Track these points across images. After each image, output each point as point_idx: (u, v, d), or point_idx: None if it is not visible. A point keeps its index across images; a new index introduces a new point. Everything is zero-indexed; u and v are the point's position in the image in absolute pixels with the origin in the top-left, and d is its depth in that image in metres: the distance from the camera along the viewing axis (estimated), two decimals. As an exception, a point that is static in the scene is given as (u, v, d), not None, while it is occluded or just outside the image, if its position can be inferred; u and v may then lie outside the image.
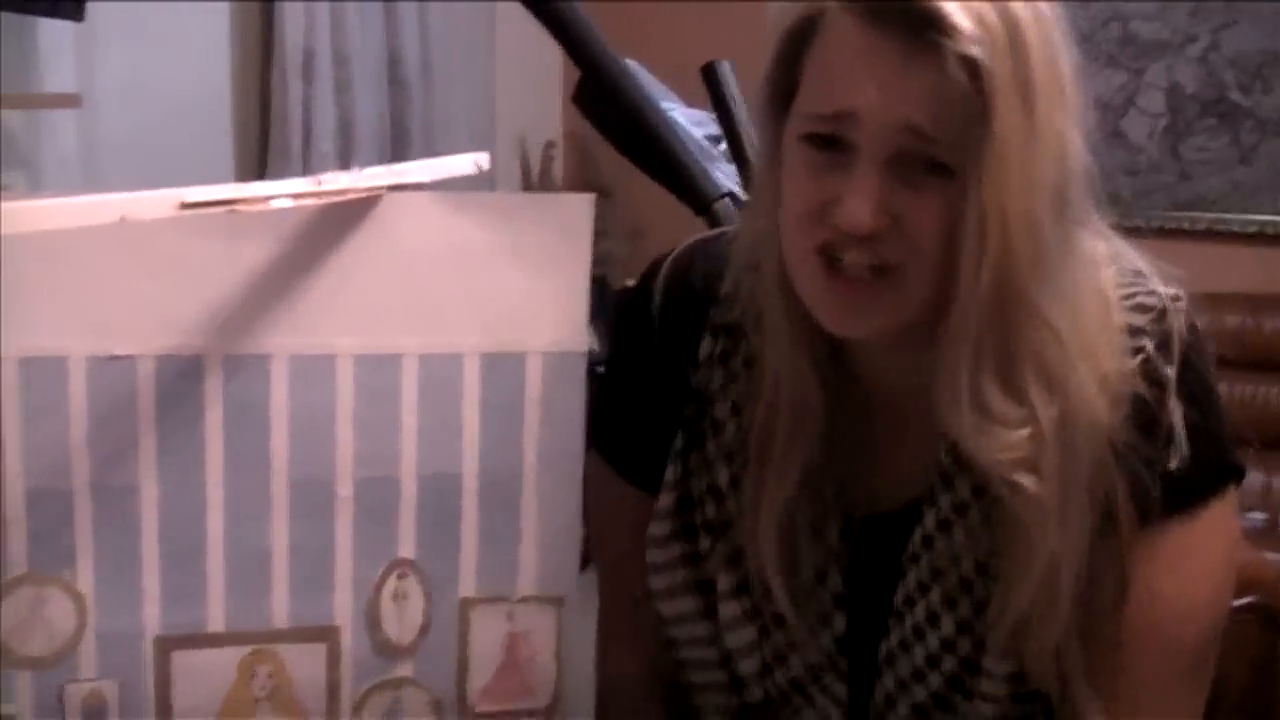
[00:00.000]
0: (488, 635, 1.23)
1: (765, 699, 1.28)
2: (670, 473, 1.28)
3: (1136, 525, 1.17)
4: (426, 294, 1.17)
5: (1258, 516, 3.95)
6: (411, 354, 1.17)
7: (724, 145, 1.80)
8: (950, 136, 1.08)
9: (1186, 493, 1.18)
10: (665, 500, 1.28)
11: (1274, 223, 4.46)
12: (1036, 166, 1.08)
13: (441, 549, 1.21)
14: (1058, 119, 1.10)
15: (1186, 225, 4.52)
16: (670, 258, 1.32)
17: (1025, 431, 1.11)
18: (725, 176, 1.70)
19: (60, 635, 1.15)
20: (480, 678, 1.24)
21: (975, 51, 1.05)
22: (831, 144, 1.11)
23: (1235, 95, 4.47)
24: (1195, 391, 1.17)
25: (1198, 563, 1.21)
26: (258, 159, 3.68)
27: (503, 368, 1.19)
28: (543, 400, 1.20)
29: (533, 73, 4.76)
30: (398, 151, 3.95)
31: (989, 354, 1.11)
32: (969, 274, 1.09)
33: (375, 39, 3.90)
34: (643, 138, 1.65)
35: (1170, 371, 1.16)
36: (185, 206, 0.96)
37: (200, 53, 3.54)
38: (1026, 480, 1.12)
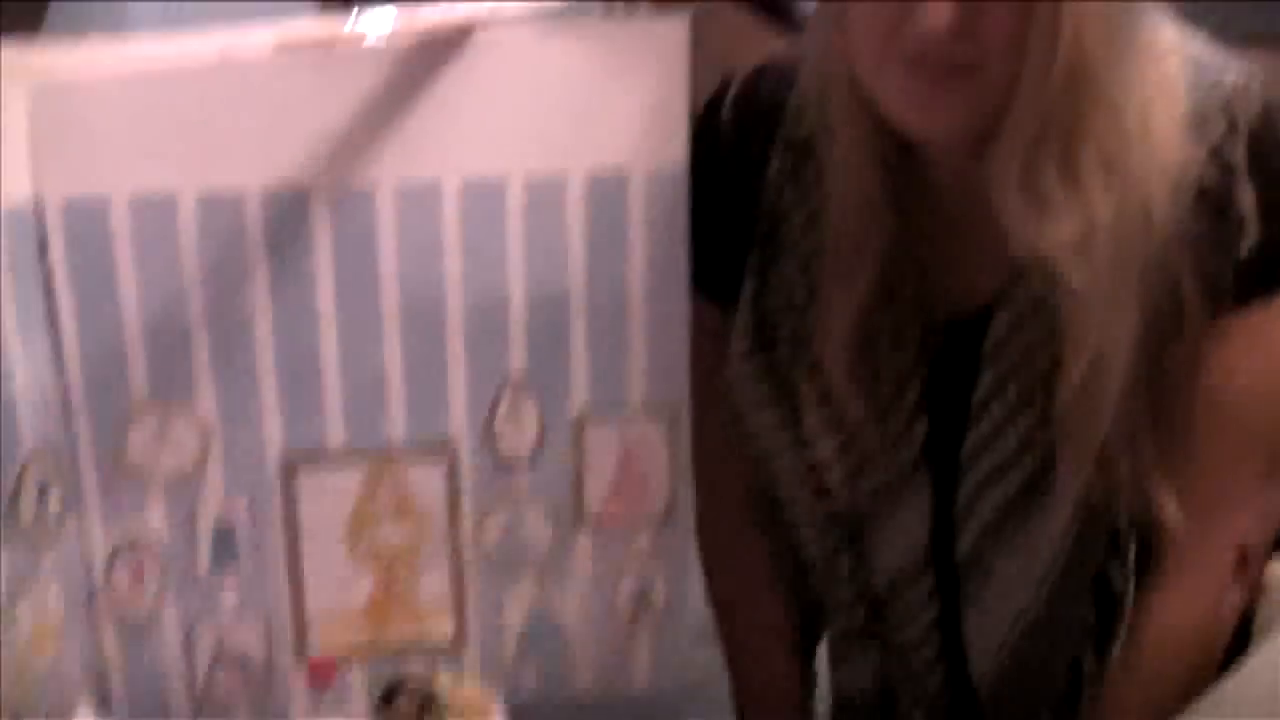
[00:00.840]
0: (602, 448, 1.25)
1: (853, 506, 1.30)
2: (748, 288, 1.29)
3: (1208, 314, 1.15)
4: (528, 120, 1.16)
5: None
6: (516, 179, 1.17)
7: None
8: None
9: (1261, 278, 1.15)
10: (744, 315, 1.29)
11: None
12: None
13: (553, 366, 1.22)
14: None
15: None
16: (737, 78, 1.31)
17: (1077, 218, 1.10)
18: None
19: (188, 457, 1.19)
20: (596, 488, 1.26)
21: None
22: None
23: None
24: (1271, 173, 1.14)
25: (1259, 365, 1.19)
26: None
27: (606, 190, 1.19)
28: (646, 220, 1.20)
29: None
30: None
31: (1050, 137, 1.10)
32: (1039, 53, 1.07)
33: None
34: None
35: (1239, 156, 1.13)
36: (282, 48, 0.95)
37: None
38: (1074, 269, 1.11)
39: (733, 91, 1.30)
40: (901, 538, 1.30)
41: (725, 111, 1.30)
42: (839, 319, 1.22)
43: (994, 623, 1.28)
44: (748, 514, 1.37)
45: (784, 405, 1.29)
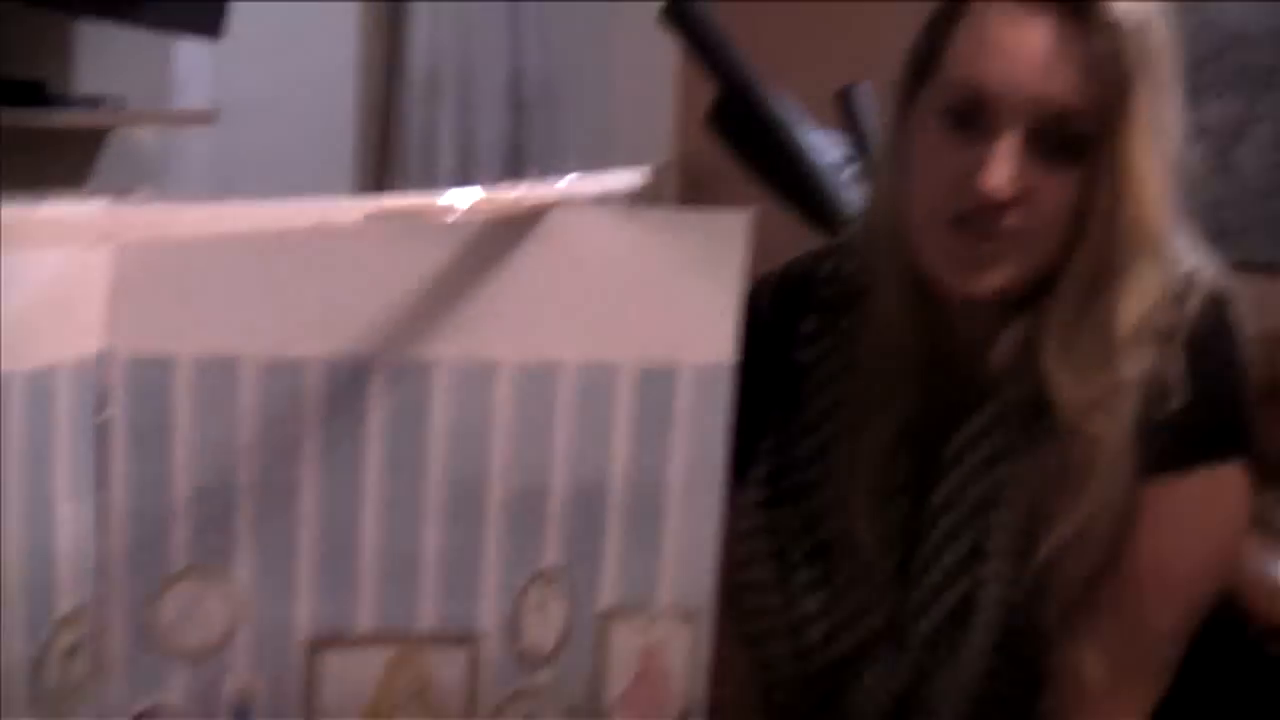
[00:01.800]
0: (625, 646, 1.25)
1: (828, 667, 1.34)
2: (766, 443, 1.36)
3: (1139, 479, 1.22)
4: (586, 306, 1.19)
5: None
6: (569, 364, 1.19)
7: (849, 169, 1.82)
8: (1091, 105, 1.18)
9: (1176, 451, 1.22)
10: (759, 470, 1.36)
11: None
12: (1165, 137, 1.20)
13: (585, 558, 1.23)
14: (1174, 101, 1.23)
15: (1298, 261, 4.47)
16: (776, 271, 1.42)
17: (1108, 380, 1.19)
18: (855, 201, 1.72)
19: (217, 629, 1.17)
20: (616, 687, 1.25)
21: (1125, 18, 1.17)
22: (971, 118, 1.20)
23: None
24: (1201, 354, 1.22)
25: (1174, 529, 1.24)
26: (378, 177, 3.74)
27: (655, 380, 1.21)
28: (691, 413, 1.22)
29: (647, 97, 4.80)
30: (515, 171, 4.01)
31: (1097, 303, 1.19)
32: (1100, 224, 1.18)
33: (499, 60, 3.95)
34: (778, 159, 1.68)
35: (1181, 332, 1.22)
36: (371, 217, 0.99)
37: (328, 70, 3.62)
38: (1097, 426, 1.19)
39: (775, 276, 1.41)
40: (871, 702, 1.33)
41: (766, 297, 1.38)
42: (865, 464, 1.29)
43: None
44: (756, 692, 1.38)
45: (776, 560, 1.35)
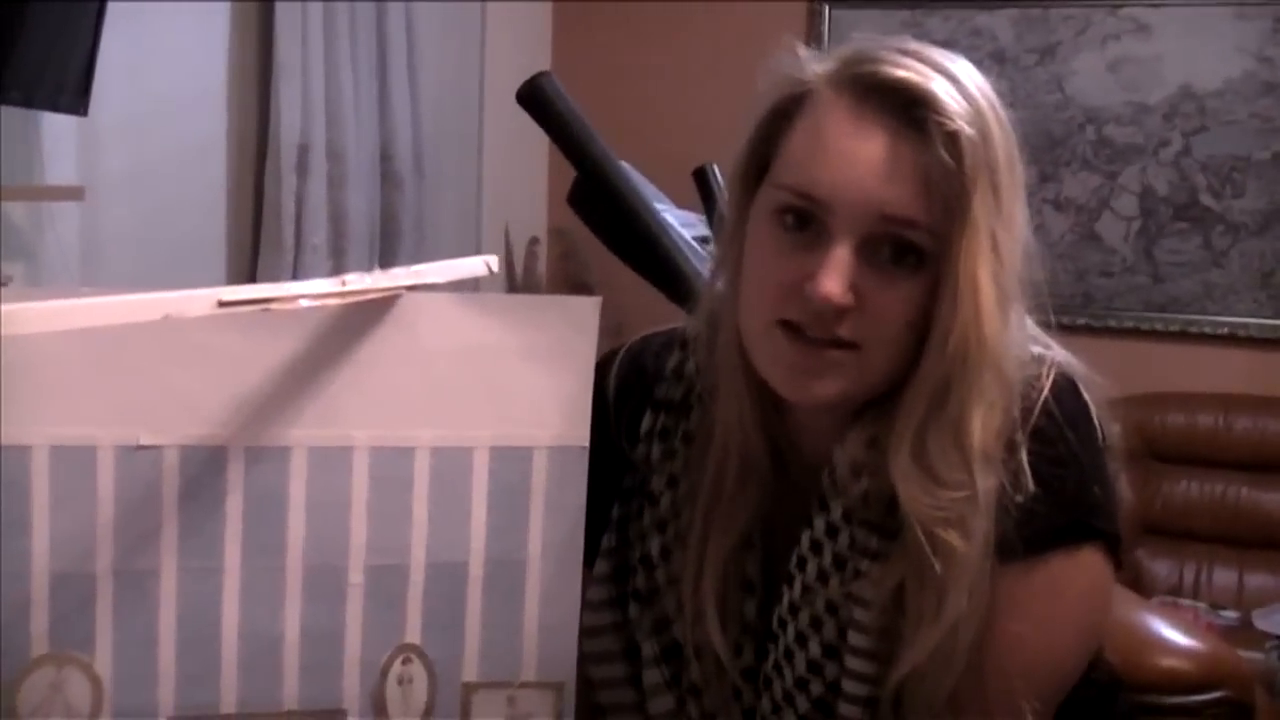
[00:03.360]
0: (489, 717, 1.26)
1: None
2: (606, 540, 1.35)
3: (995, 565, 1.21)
4: (440, 389, 1.21)
5: (1231, 615, 4.01)
6: (424, 446, 1.21)
7: (712, 246, 1.86)
8: (928, 217, 1.14)
9: (1029, 540, 1.21)
10: (601, 567, 1.34)
11: (1244, 325, 4.55)
12: (1005, 245, 1.16)
13: (446, 634, 1.24)
14: (1016, 204, 1.18)
15: (1160, 326, 4.61)
16: (625, 346, 1.40)
17: (962, 494, 1.17)
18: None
19: (78, 716, 1.18)
20: (480, 759, 1.27)
21: (963, 128, 1.13)
22: (804, 223, 1.17)
23: (1207, 199, 4.58)
24: (1049, 443, 1.21)
25: (1030, 616, 1.23)
26: (251, 251, 3.73)
27: (510, 461, 1.23)
28: (546, 492, 1.25)
29: (519, 170, 4.85)
30: (387, 246, 4.01)
31: (945, 418, 1.17)
32: (939, 339, 1.15)
33: (369, 134, 3.96)
34: (636, 237, 1.71)
35: (1025, 415, 1.21)
36: (223, 305, 1.01)
37: (198, 146, 3.60)
38: (953, 538, 1.17)
39: (619, 358, 1.39)
40: None
41: (611, 380, 1.37)
42: (711, 566, 1.27)
43: None
44: None
45: (628, 659, 1.34)
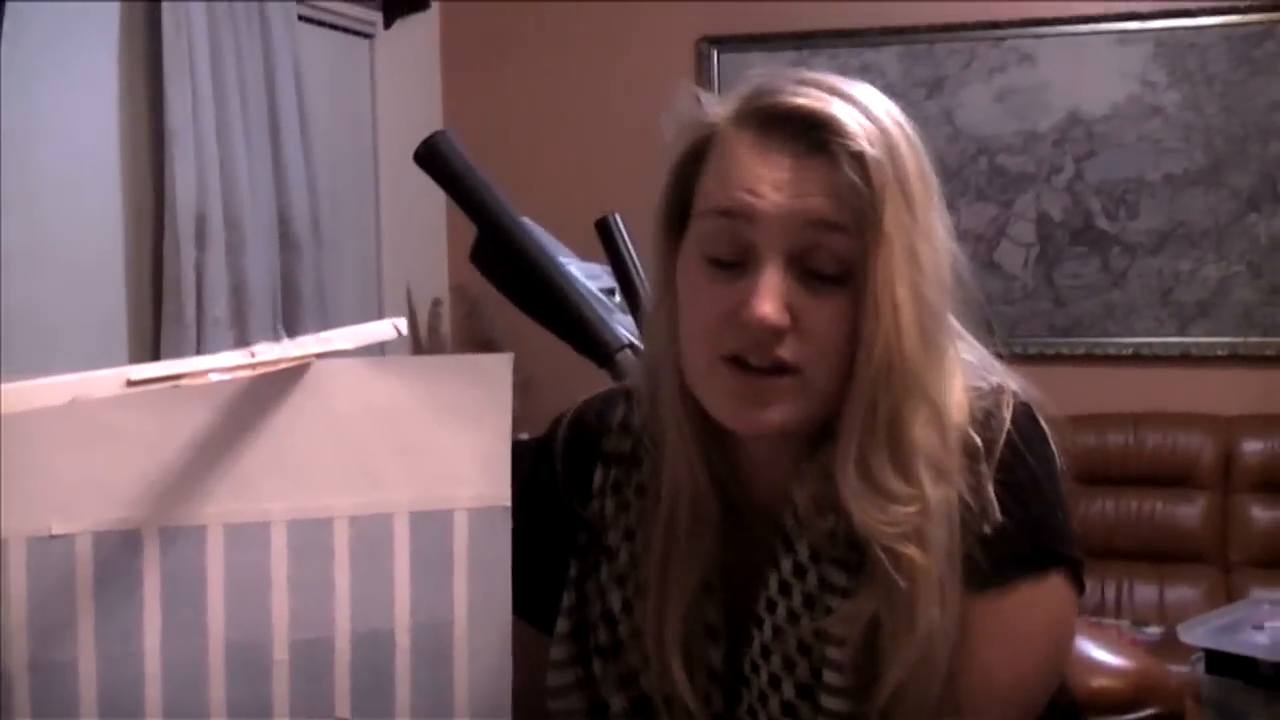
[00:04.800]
0: (423, 784, 1.25)
1: None
2: (566, 599, 1.34)
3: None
4: (355, 455, 1.20)
5: (1154, 630, 4.05)
6: (342, 515, 1.20)
7: (618, 297, 1.85)
8: (847, 224, 1.16)
9: (996, 569, 1.22)
10: (562, 626, 1.34)
11: (1149, 344, 4.62)
12: (921, 254, 1.18)
13: (377, 705, 1.22)
14: (932, 215, 1.21)
15: (1065, 350, 4.68)
16: (572, 409, 1.40)
17: (914, 508, 1.18)
18: (623, 328, 1.75)
19: (0, 814, 1.15)
20: (416, 826, 1.25)
21: (866, 148, 1.16)
22: (731, 257, 1.19)
23: (1102, 222, 4.66)
24: (1012, 470, 1.22)
25: (999, 643, 1.24)
26: (152, 324, 3.68)
27: (431, 524, 1.22)
28: (470, 554, 1.23)
29: (418, 229, 4.84)
30: (289, 312, 3.98)
31: (881, 431, 1.18)
32: (865, 354, 1.17)
33: (265, 200, 3.93)
34: (543, 293, 1.70)
35: (993, 455, 1.22)
36: (132, 384, 0.99)
37: (93, 220, 3.55)
38: (912, 551, 1.18)
39: (567, 420, 1.39)
40: None
41: (559, 444, 1.37)
42: (672, 617, 1.27)
43: None
44: None
45: (595, 717, 1.33)
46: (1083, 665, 1.81)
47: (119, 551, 1.14)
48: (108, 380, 1.03)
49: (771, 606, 1.26)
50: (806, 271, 1.18)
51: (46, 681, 1.14)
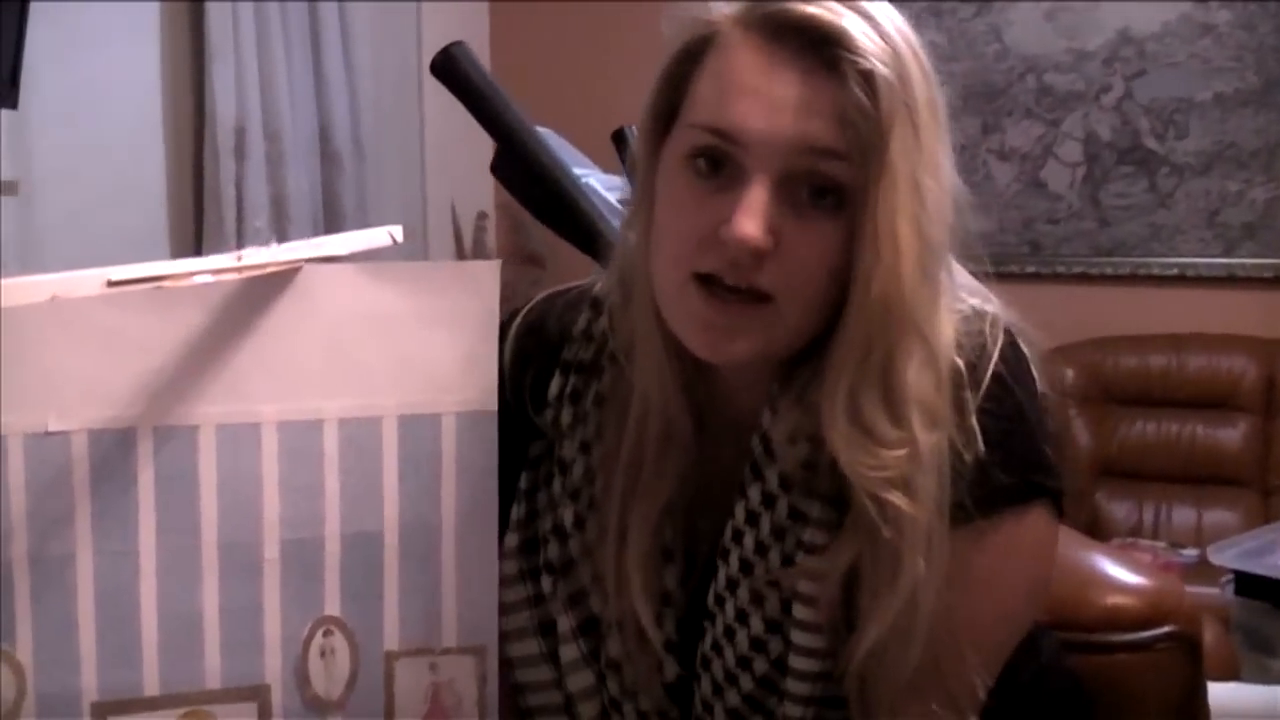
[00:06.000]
0: (412, 686, 1.27)
1: None
2: (516, 512, 1.30)
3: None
4: (345, 360, 1.22)
5: (1191, 553, 4.03)
6: (332, 418, 1.22)
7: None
8: (847, 151, 1.10)
9: (980, 500, 1.17)
10: (511, 540, 1.30)
11: (1193, 265, 4.57)
12: (925, 187, 1.11)
13: (365, 605, 1.25)
14: (939, 148, 1.14)
15: (1109, 270, 4.63)
16: (522, 310, 1.34)
17: (903, 451, 1.12)
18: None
19: (2, 704, 1.18)
20: (406, 725, 1.27)
21: (877, 67, 1.09)
22: (718, 166, 1.13)
23: (1150, 142, 4.59)
24: (999, 401, 1.18)
25: (983, 577, 1.20)
26: (193, 237, 3.71)
27: (419, 428, 1.24)
28: (457, 458, 1.25)
29: (463, 144, 4.80)
30: (331, 225, 3.99)
31: (874, 372, 1.12)
32: (861, 291, 1.10)
33: (306, 114, 3.94)
34: (556, 204, 1.71)
35: (973, 374, 1.17)
36: (113, 284, 1.01)
37: (133, 134, 3.58)
38: (898, 499, 1.12)
39: (516, 322, 1.33)
40: None
41: (508, 344, 1.31)
42: (637, 536, 1.23)
43: None
44: None
45: (544, 635, 1.30)
46: (1098, 583, 1.81)
47: (114, 450, 1.17)
48: (89, 280, 1.05)
49: (738, 537, 1.22)
50: (797, 196, 1.11)
51: (45, 575, 1.17)
